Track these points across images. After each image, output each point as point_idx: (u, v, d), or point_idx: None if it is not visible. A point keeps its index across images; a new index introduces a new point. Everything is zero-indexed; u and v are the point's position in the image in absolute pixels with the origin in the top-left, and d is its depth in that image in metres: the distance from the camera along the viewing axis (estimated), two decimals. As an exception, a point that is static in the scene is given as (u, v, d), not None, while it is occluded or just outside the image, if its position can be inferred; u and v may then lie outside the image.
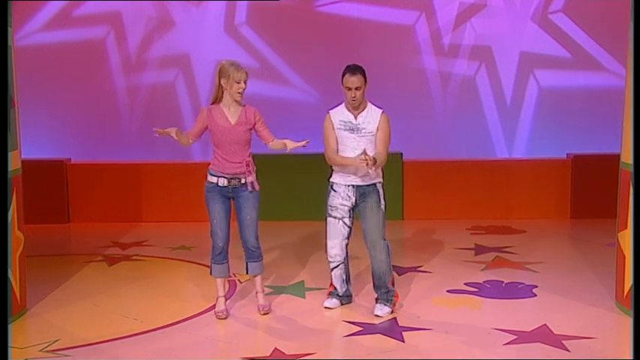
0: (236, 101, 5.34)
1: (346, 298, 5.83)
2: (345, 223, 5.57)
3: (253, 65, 9.20)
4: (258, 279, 5.70)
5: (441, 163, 9.31)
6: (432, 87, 9.51)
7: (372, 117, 5.46)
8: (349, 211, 5.56)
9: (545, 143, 9.43)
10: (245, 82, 5.31)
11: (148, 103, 9.61)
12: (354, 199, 5.51)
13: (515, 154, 9.57)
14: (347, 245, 5.70)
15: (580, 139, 9.36)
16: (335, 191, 5.54)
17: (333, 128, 5.48)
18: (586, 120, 9.40)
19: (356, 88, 5.37)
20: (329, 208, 5.57)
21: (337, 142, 5.48)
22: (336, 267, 5.70)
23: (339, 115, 5.49)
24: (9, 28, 5.37)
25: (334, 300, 5.77)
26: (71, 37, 9.49)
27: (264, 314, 5.59)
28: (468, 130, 9.52)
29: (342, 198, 5.51)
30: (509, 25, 9.47)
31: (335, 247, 5.63)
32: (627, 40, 5.33)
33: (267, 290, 6.20)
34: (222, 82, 5.31)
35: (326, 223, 5.63)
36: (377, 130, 5.45)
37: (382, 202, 5.52)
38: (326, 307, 5.74)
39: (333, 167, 5.58)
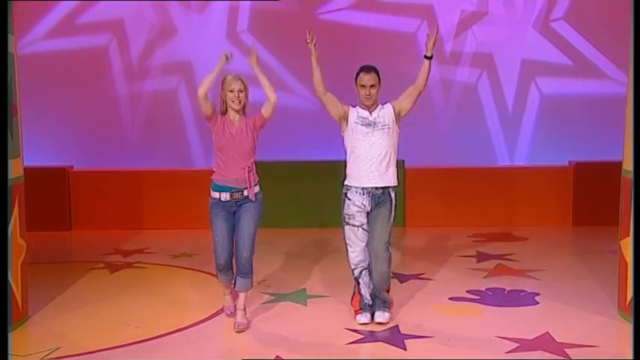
0: (235, 111, 5.33)
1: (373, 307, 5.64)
2: (364, 229, 5.51)
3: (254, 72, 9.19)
4: (242, 295, 5.49)
5: (442, 171, 9.31)
6: (433, 94, 9.50)
7: (385, 111, 5.54)
8: (366, 216, 5.51)
9: (547, 150, 9.42)
10: (240, 91, 5.27)
11: (149, 111, 9.62)
12: (369, 207, 5.48)
13: (517, 162, 9.56)
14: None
15: (582, 146, 9.35)
16: (349, 199, 5.50)
17: (347, 117, 5.47)
18: (588, 127, 9.39)
19: (371, 86, 5.46)
20: (346, 216, 5.52)
21: (338, 104, 5.51)
22: (360, 272, 5.58)
23: (358, 112, 5.54)
24: (11, 36, 5.38)
25: (367, 314, 5.58)
26: (74, 45, 9.51)
27: (239, 332, 5.39)
28: (469, 137, 9.52)
29: (357, 206, 5.47)
30: (510, 32, 9.48)
31: (359, 255, 5.55)
32: (628, 47, 5.33)
33: (268, 298, 6.20)
34: (221, 94, 5.34)
35: (344, 231, 5.57)
36: (393, 121, 5.53)
37: (393, 212, 5.51)
38: (362, 324, 5.52)
39: (347, 170, 5.55)
